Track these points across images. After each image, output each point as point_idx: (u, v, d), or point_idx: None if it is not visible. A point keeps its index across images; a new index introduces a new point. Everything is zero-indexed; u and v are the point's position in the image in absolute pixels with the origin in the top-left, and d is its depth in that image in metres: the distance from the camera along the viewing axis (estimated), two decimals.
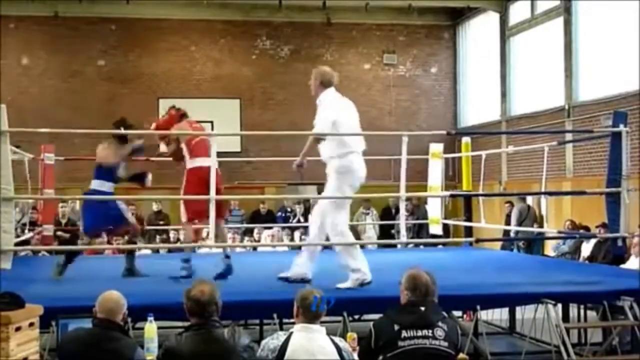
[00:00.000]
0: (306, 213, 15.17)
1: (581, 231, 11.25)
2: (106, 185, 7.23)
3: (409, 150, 7.19)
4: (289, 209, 15.42)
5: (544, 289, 6.10)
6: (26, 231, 9.93)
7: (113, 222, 7.31)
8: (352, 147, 6.43)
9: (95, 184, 7.23)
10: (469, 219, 10.45)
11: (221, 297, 4.00)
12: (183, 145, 7.14)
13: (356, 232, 15.21)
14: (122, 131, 7.27)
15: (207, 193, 6.54)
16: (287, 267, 6.50)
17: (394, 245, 11.59)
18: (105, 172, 7.25)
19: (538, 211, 13.68)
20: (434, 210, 10.57)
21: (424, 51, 18.37)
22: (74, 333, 4.15)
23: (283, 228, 13.31)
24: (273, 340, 4.01)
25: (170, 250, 7.33)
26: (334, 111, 6.41)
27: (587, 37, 13.62)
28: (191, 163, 7.09)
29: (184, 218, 7.21)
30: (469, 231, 10.44)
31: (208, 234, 8.05)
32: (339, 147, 6.39)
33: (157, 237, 13.21)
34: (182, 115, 7.42)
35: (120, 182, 7.48)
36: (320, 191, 7.32)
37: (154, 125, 7.60)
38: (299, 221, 14.32)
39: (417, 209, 14.54)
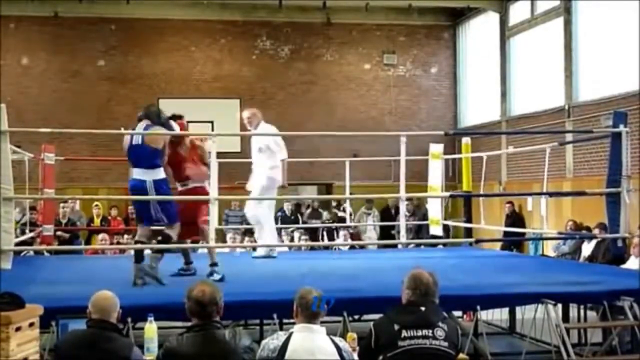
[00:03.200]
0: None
1: (583, 232, 11.25)
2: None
3: (409, 151, 7.22)
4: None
5: (544, 289, 6.09)
6: (26, 231, 9.92)
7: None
8: None
9: (163, 172, 6.65)
10: (469, 220, 10.46)
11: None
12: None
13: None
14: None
15: None
16: (288, 267, 6.48)
17: (395, 246, 11.59)
18: (161, 158, 6.66)
19: (538, 211, 13.69)
20: (434, 210, 10.56)
21: (424, 51, 18.36)
22: (70, 335, 4.15)
23: (282, 228, 13.29)
24: (273, 341, 4.01)
25: (169, 251, 7.32)
26: None
27: (587, 37, 13.61)
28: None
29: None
30: (468, 231, 10.46)
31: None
32: None
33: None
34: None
35: None
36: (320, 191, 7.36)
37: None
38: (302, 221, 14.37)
39: (418, 209, 14.54)
